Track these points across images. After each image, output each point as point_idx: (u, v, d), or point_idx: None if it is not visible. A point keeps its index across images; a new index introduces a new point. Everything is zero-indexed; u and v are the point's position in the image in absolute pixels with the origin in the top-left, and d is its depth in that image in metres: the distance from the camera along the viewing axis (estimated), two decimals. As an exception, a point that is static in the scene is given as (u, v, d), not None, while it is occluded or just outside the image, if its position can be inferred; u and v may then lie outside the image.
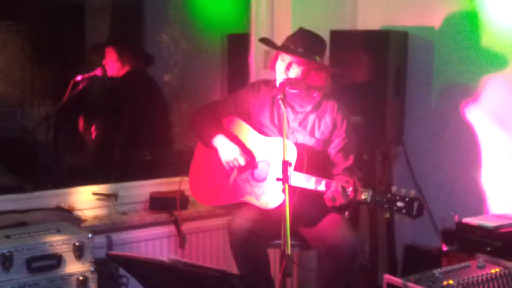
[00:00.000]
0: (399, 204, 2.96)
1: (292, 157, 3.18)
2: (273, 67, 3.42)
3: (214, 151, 3.45)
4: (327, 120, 3.41)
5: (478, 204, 3.86)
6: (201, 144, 3.56)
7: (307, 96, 3.43)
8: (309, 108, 3.42)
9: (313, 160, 3.29)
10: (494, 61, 3.82)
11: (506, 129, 3.79)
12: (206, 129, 3.48)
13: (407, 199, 2.96)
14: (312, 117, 3.41)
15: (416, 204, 2.94)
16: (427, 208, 4.04)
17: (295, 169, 3.13)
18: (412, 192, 2.98)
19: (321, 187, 3.16)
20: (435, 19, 4.08)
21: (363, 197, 3.06)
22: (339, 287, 3.27)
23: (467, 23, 3.92)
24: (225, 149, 3.41)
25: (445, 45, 4.05)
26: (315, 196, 3.19)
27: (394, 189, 3.00)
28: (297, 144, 3.30)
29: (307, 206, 3.27)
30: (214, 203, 3.57)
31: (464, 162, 3.98)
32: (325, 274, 3.30)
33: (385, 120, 3.99)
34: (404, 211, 2.96)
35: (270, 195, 3.29)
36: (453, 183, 4.03)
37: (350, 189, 3.07)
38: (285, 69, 3.33)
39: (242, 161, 3.38)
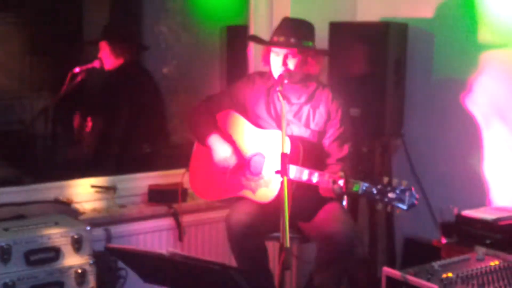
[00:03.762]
0: (391, 195, 2.91)
1: (286, 150, 3.15)
2: (266, 61, 3.37)
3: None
4: (322, 110, 3.37)
5: (478, 196, 3.86)
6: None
7: (302, 87, 3.38)
8: (303, 99, 3.38)
9: (309, 152, 3.26)
10: (494, 53, 3.81)
11: (506, 121, 3.79)
12: (201, 128, 3.46)
13: (398, 190, 2.91)
14: (306, 108, 3.38)
15: (408, 194, 2.88)
16: (426, 200, 4.06)
17: (290, 162, 3.08)
18: (404, 183, 2.91)
19: (315, 179, 3.13)
20: (435, 11, 4.07)
21: (354, 189, 3.01)
22: (333, 275, 3.26)
23: (467, 15, 3.91)
24: (218, 149, 3.39)
25: (445, 37, 4.04)
26: (311, 188, 3.17)
27: (385, 179, 2.94)
28: (292, 136, 3.26)
29: (304, 198, 3.25)
30: (212, 198, 3.55)
31: (463, 155, 3.98)
32: (320, 261, 3.28)
33: (385, 112, 3.98)
34: (396, 202, 2.90)
35: (266, 188, 3.28)
36: (452, 175, 4.02)
37: (341, 181, 3.03)
38: (282, 63, 3.27)
39: (232, 162, 3.36)
